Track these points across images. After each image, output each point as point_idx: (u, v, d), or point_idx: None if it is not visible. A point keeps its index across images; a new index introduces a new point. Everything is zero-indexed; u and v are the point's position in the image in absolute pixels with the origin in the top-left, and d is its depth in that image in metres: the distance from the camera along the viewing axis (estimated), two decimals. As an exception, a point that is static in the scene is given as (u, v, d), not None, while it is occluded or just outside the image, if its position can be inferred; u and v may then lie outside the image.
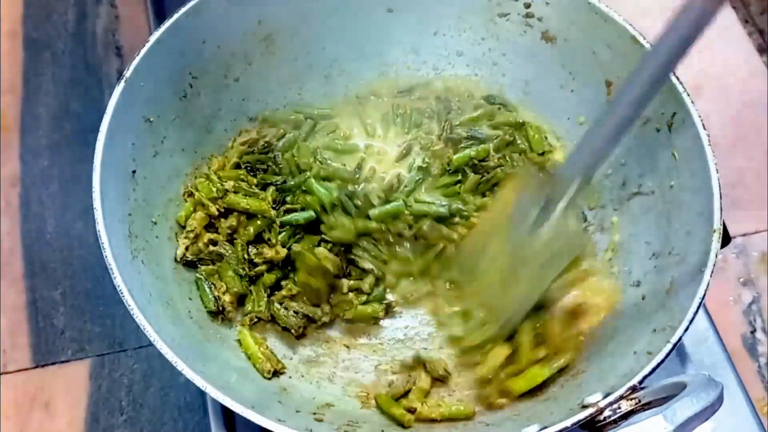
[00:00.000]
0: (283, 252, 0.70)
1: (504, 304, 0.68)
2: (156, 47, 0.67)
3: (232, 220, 0.71)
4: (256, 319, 0.70)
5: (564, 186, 0.62)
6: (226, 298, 0.68)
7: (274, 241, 0.71)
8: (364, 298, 0.72)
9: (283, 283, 0.71)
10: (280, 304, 0.70)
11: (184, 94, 0.73)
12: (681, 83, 0.66)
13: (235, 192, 0.72)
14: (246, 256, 0.71)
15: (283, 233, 0.72)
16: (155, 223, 0.69)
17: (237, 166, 0.75)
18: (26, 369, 0.88)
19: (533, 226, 0.64)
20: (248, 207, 0.71)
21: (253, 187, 0.73)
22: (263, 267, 0.71)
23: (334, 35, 0.80)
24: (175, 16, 0.69)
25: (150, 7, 1.01)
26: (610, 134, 0.59)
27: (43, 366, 0.88)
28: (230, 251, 0.70)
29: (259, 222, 0.72)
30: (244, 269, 0.70)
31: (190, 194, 0.72)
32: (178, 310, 0.66)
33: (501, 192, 0.73)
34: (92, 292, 0.92)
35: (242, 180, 0.74)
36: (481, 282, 0.70)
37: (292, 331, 0.70)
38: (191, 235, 0.70)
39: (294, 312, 0.70)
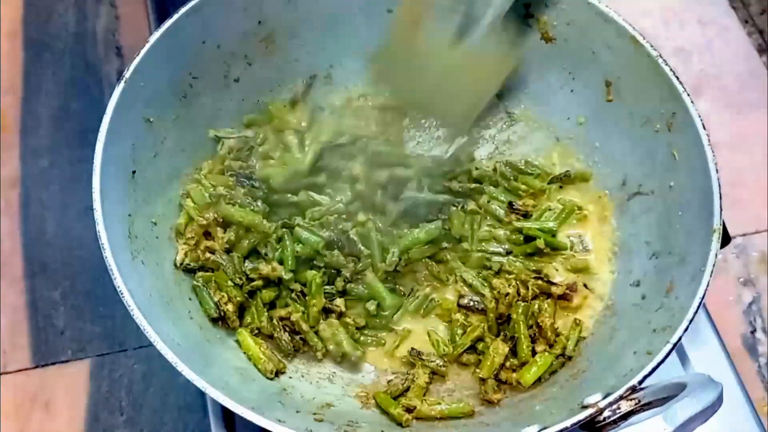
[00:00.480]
0: (280, 270, 0.68)
1: (450, 112, 0.68)
2: (156, 47, 0.67)
3: (230, 234, 0.70)
4: (257, 330, 0.69)
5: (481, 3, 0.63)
6: (229, 307, 0.68)
7: (270, 256, 0.70)
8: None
9: (277, 302, 0.70)
10: (278, 321, 0.69)
11: (184, 95, 0.73)
12: (681, 83, 0.66)
13: (230, 202, 0.71)
14: (242, 269, 0.69)
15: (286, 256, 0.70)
16: (155, 224, 0.69)
17: (224, 171, 0.74)
18: (26, 369, 0.88)
19: (454, 37, 0.65)
20: (241, 220, 0.70)
21: (248, 196, 0.72)
22: (259, 282, 0.69)
23: (334, 35, 0.80)
24: (175, 16, 0.69)
25: (150, 7, 1.01)
26: None
27: (43, 366, 0.88)
28: (227, 262, 0.69)
29: (252, 238, 0.71)
30: (241, 279, 0.69)
31: (188, 195, 0.72)
32: (178, 311, 0.66)
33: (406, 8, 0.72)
34: (92, 292, 0.92)
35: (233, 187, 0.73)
36: (421, 92, 0.69)
37: (282, 351, 0.69)
38: (191, 242, 0.69)
39: (290, 333, 0.69)
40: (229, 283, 0.69)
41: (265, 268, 0.68)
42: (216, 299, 0.68)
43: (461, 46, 0.64)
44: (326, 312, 0.69)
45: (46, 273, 0.94)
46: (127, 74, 0.65)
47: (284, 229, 0.71)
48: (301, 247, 0.70)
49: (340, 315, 0.69)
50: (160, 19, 0.69)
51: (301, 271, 0.70)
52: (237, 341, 0.68)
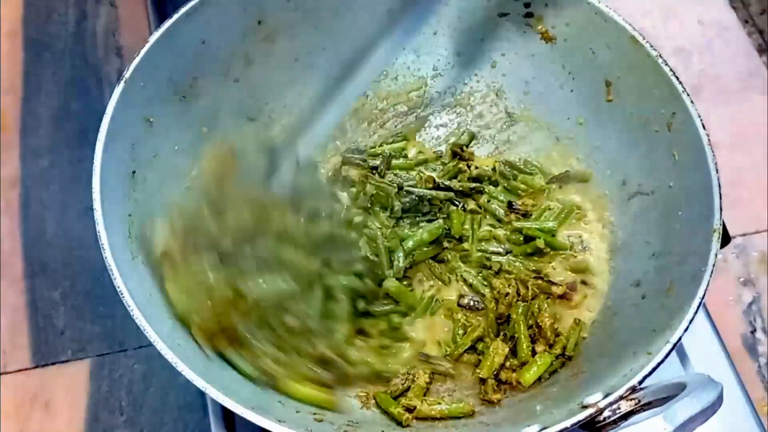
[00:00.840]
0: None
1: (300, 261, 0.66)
2: (156, 47, 0.67)
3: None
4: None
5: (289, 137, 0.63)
6: (267, 362, 0.65)
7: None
8: None
9: None
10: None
11: (184, 95, 0.73)
12: (681, 83, 0.66)
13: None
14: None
15: None
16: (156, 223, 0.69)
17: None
18: (26, 369, 0.88)
19: (265, 178, 0.66)
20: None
21: None
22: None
23: (334, 35, 0.80)
24: (175, 16, 0.69)
25: (150, 7, 1.01)
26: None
27: (43, 366, 0.88)
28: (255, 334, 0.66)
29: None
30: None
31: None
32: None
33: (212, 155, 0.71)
34: (92, 292, 0.92)
35: None
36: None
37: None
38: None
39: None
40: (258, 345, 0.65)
41: (293, 322, 0.65)
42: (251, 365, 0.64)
43: (275, 185, 0.66)
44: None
45: (46, 273, 0.94)
46: (127, 74, 0.65)
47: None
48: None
49: (362, 333, 0.69)
50: (160, 19, 0.69)
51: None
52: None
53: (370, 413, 0.66)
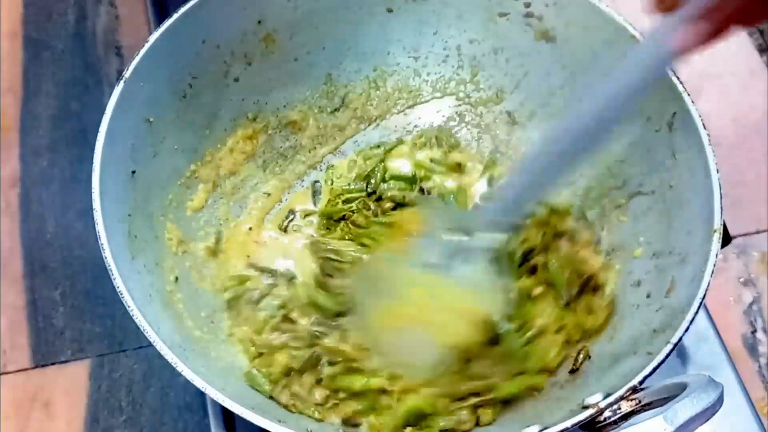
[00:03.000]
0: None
1: (398, 350, 0.63)
2: (156, 47, 0.67)
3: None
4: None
5: (482, 233, 0.59)
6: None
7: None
8: None
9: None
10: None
11: (184, 94, 0.73)
12: (681, 83, 0.66)
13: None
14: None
15: None
16: (155, 224, 0.69)
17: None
18: (26, 369, 0.88)
19: (434, 267, 0.61)
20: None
21: None
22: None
23: (334, 35, 0.80)
24: (175, 16, 0.69)
25: (150, 7, 1.01)
26: (543, 178, 0.56)
27: (43, 366, 0.88)
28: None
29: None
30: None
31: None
32: (178, 311, 0.66)
33: (401, 217, 0.71)
34: (92, 292, 0.92)
35: None
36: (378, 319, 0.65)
37: None
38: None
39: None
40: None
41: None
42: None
43: (447, 275, 0.61)
44: None
45: (46, 273, 0.94)
46: (127, 74, 0.65)
47: None
48: None
49: None
50: (160, 19, 0.69)
51: None
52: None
53: (370, 413, 0.66)
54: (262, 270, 0.74)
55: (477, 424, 0.64)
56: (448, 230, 0.62)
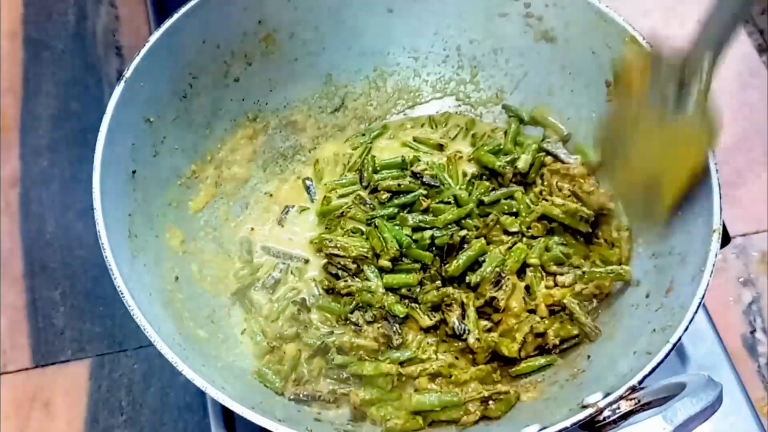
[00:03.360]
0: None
1: (651, 193, 0.66)
2: (156, 47, 0.67)
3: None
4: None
5: (695, 65, 0.61)
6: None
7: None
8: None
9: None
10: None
11: (184, 94, 0.73)
12: (681, 83, 0.66)
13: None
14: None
15: None
16: (155, 224, 0.69)
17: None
18: (26, 369, 0.88)
19: (673, 110, 0.63)
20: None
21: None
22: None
23: (334, 35, 0.80)
24: (175, 16, 0.69)
25: (150, 7, 1.01)
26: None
27: (43, 366, 0.88)
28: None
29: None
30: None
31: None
32: (178, 311, 0.66)
33: (624, 79, 0.70)
34: (92, 292, 0.92)
35: None
36: (635, 166, 0.67)
37: None
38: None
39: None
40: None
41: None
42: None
43: (676, 117, 0.63)
44: None
45: (46, 273, 0.94)
46: (127, 74, 0.65)
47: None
48: None
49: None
50: (160, 19, 0.69)
51: None
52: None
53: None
54: (277, 254, 0.74)
55: (485, 417, 0.65)
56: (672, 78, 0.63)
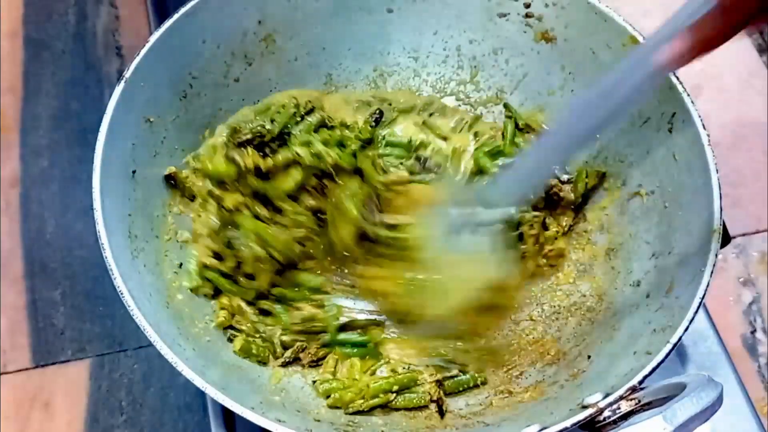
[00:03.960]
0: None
1: (412, 305, 0.67)
2: (156, 47, 0.67)
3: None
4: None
5: (491, 208, 0.62)
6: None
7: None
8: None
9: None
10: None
11: (184, 94, 0.73)
12: (681, 83, 0.66)
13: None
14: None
15: None
16: (155, 223, 0.69)
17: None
18: (26, 369, 0.88)
19: (450, 233, 0.64)
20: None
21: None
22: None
23: (334, 35, 0.80)
24: (175, 16, 0.69)
25: (150, 7, 1.01)
26: (546, 160, 0.59)
27: (43, 366, 0.88)
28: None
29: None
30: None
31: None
32: (178, 311, 0.66)
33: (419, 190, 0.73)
34: (92, 292, 0.92)
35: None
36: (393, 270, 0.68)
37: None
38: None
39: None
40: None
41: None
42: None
43: (455, 242, 0.64)
44: None
45: (46, 273, 0.94)
46: (127, 74, 0.65)
47: None
48: None
49: None
50: (160, 19, 0.69)
51: None
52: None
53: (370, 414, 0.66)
54: None
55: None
56: (458, 204, 0.65)
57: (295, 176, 0.70)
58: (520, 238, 0.72)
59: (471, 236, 0.64)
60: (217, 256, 0.70)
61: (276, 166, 0.71)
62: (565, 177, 0.76)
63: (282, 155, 0.71)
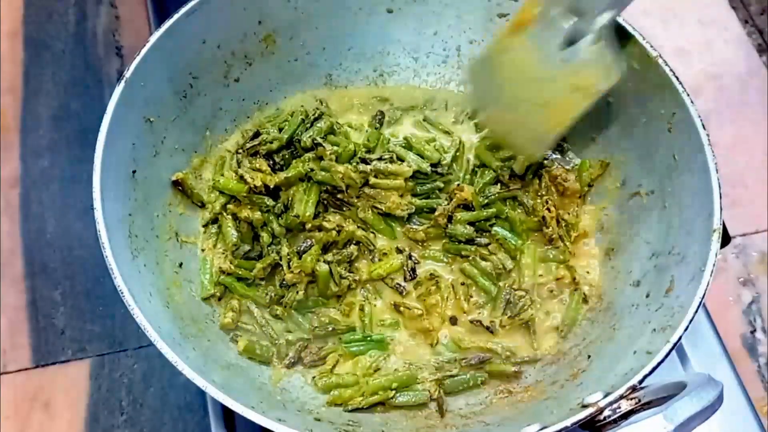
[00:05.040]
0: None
1: (529, 129, 0.69)
2: (156, 47, 0.67)
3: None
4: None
5: (592, 15, 0.62)
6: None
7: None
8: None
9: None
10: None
11: (184, 94, 0.73)
12: (681, 83, 0.66)
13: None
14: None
15: None
16: (155, 223, 0.69)
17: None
18: (26, 369, 0.88)
19: (559, 47, 0.65)
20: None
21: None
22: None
23: (334, 35, 0.80)
24: (175, 16, 0.69)
25: (150, 7, 1.01)
26: None
27: (43, 366, 0.88)
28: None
29: None
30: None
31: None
32: (178, 310, 0.66)
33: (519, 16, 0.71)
34: (92, 292, 0.92)
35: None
36: (506, 102, 0.70)
37: None
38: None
39: None
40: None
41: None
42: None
43: (564, 55, 0.65)
44: None
45: (46, 273, 0.94)
46: (128, 74, 0.65)
47: None
48: None
49: None
50: (160, 19, 0.69)
51: None
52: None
53: (370, 413, 0.66)
54: None
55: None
56: (563, 14, 0.65)
57: (312, 199, 0.72)
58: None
59: (574, 49, 0.65)
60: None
61: (287, 179, 0.72)
62: (570, 166, 0.77)
63: (292, 171, 0.72)
